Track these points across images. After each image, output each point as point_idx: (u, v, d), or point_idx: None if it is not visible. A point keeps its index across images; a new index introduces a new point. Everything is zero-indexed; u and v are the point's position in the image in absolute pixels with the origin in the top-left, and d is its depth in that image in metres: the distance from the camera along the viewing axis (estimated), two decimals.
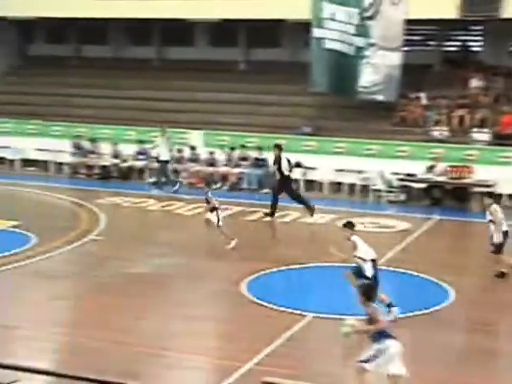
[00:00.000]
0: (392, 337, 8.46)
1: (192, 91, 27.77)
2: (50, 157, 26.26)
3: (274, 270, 14.77)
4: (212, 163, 24.52)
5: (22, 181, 24.35)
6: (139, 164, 25.13)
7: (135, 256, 15.76)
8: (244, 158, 24.32)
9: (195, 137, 25.11)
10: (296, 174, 23.45)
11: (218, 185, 23.92)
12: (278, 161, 19.07)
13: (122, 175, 25.25)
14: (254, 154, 24.24)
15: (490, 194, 16.08)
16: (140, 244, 16.88)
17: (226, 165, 24.40)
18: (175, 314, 12.31)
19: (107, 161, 25.57)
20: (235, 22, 27.28)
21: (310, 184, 23.70)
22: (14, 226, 17.89)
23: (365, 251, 11.73)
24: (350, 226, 11.93)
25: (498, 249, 14.50)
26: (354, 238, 11.84)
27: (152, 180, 24.26)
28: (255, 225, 19.18)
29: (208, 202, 16.69)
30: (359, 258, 11.64)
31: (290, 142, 23.91)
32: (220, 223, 16.46)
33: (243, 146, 24.35)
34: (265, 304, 12.59)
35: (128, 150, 25.34)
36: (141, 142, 25.19)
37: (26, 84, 30.12)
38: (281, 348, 10.65)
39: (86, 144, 25.93)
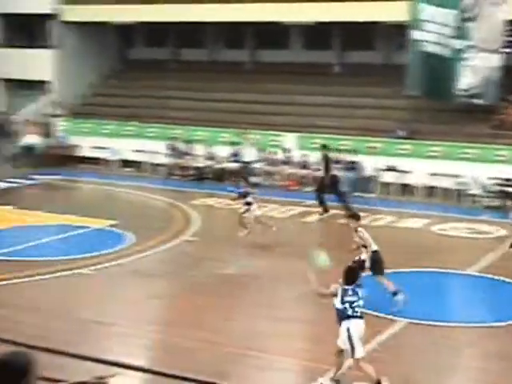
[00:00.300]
0: (351, 317, 9.17)
1: (286, 94, 27.88)
2: (146, 158, 26.86)
3: (365, 273, 14.67)
4: (305, 166, 24.54)
5: (119, 181, 24.99)
6: (233, 166, 25.39)
7: (228, 257, 15.96)
8: (337, 161, 24.21)
9: (289, 139, 25.20)
10: (389, 177, 23.28)
11: (312, 187, 23.94)
12: (325, 161, 19.83)
13: (215, 177, 25.57)
14: (346, 156, 24.11)
15: None
16: (233, 245, 17.07)
17: (318, 168, 24.35)
18: (264, 315, 12.40)
19: (201, 162, 25.95)
20: (329, 25, 27.24)
21: (404, 188, 23.42)
22: (112, 226, 18.39)
23: (371, 242, 12.62)
24: (356, 217, 13.05)
25: None
26: (361, 229, 12.78)
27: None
28: (346, 227, 19.06)
29: (244, 196, 17.12)
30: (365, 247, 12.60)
31: (384, 145, 23.73)
32: (246, 214, 16.98)
33: (336, 150, 24.25)
34: None
35: (222, 151, 25.66)
36: (236, 144, 25.44)
37: (126, 87, 30.90)
38: (371, 353, 10.59)
39: (181, 146, 26.38)
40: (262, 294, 13.71)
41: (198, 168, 25.93)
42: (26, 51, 30.85)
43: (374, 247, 12.79)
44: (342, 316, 9.25)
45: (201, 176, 25.65)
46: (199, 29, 30.86)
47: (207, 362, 10.22)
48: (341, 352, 9.38)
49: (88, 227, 18.24)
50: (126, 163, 27.19)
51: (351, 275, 9.62)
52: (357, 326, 9.21)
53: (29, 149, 27.58)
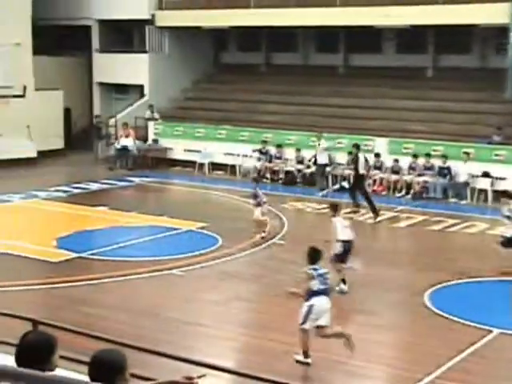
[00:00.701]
0: (319, 294, 10.18)
1: (378, 98, 27.61)
2: (236, 161, 27.06)
3: (458, 281, 14.38)
4: (396, 171, 24.22)
5: (210, 184, 25.27)
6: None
7: None
8: (429, 167, 23.82)
9: (380, 144, 24.93)
10: (484, 183, 22.73)
11: (403, 192, 23.67)
12: (355, 160, 20.74)
13: (305, 181, 25.53)
14: (438, 162, 23.67)
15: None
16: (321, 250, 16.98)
17: (409, 173, 24.03)
18: (355, 321, 12.30)
19: (292, 166, 25.96)
20: (424, 28, 26.82)
21: (498, 195, 22.79)
22: (202, 228, 18.60)
23: (340, 232, 13.51)
24: (333, 207, 13.82)
25: None
26: (335, 219, 13.67)
27: (336, 187, 24.41)
28: (438, 234, 18.76)
29: (256, 197, 17.44)
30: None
31: (478, 150, 23.18)
32: (262, 217, 17.59)
33: (427, 155, 23.84)
34: (448, 316, 12.28)
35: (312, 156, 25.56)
36: (325, 148, 25.31)
37: (218, 91, 31.24)
38: (464, 363, 10.36)
39: (272, 149, 26.46)
40: (352, 299, 13.59)
41: (288, 172, 25.96)
42: (121, 56, 31.59)
43: (344, 237, 13.62)
44: (311, 293, 10.26)
45: (291, 180, 25.65)
46: (291, 33, 30.93)
47: (294, 366, 10.20)
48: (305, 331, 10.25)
49: (179, 229, 18.51)
50: (217, 166, 27.45)
51: (314, 255, 10.75)
52: (320, 302, 10.22)
53: (123, 151, 28.22)
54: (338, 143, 25.59)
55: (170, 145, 28.68)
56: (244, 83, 30.97)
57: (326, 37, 30.85)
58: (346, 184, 24.19)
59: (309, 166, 25.45)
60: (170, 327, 11.92)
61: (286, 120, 27.86)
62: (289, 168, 26.01)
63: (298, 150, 25.92)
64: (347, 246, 13.60)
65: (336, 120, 27.02)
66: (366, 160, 21.03)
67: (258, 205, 17.68)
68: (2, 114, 25.85)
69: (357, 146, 21.30)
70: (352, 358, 10.62)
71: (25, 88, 25.45)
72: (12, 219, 19.88)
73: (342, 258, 13.63)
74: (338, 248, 13.54)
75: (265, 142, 26.63)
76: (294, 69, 31.05)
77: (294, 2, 27.93)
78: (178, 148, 28.44)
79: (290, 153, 26.18)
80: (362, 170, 20.68)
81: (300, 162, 25.88)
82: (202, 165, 27.59)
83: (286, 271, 15.10)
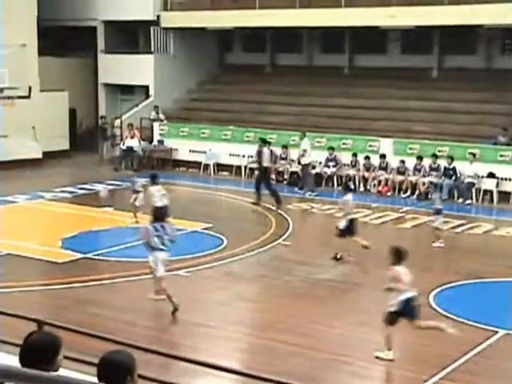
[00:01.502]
0: (156, 249, 12.35)
1: (383, 99, 27.60)
2: (241, 162, 27.06)
3: (463, 282, 14.36)
4: (402, 172, 24.18)
5: (215, 185, 25.28)
6: (328, 171, 25.28)
7: (321, 262, 15.89)
8: (435, 168, 23.78)
9: (385, 145, 24.91)
10: (489, 184, 22.69)
11: (408, 193, 23.65)
12: (259, 153, 21.94)
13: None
14: (444, 163, 23.63)
15: None
16: (326, 250, 16.99)
17: (414, 174, 23.99)
18: (359, 321, 12.29)
19: (296, 167, 25.94)
20: (428, 29, 26.80)
21: (504, 195, 22.76)
22: (207, 229, 18.61)
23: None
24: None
25: None
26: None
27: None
28: (443, 235, 18.71)
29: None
30: None
31: (483, 151, 23.14)
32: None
33: (434, 156, 23.80)
34: (454, 317, 12.27)
35: (318, 156, 25.56)
36: (331, 148, 25.31)
37: (223, 91, 31.25)
38: (469, 364, 10.36)
39: (277, 150, 26.42)
40: (358, 300, 13.61)
41: (293, 173, 25.94)
42: (127, 57, 31.64)
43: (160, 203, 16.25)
44: (151, 248, 12.41)
45: (296, 181, 25.62)
46: (296, 34, 30.93)
47: (300, 366, 10.22)
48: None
49: (184, 230, 18.52)
50: (222, 167, 27.46)
51: (157, 214, 13.14)
52: (160, 255, 12.40)
53: (129, 152, 28.25)
54: (343, 144, 25.58)
55: (176, 145, 28.70)
56: (249, 84, 30.98)
57: (330, 37, 30.85)
58: (350, 185, 24.12)
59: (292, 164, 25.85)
60: (176, 328, 11.94)
61: (290, 121, 27.85)
62: (294, 169, 25.99)
63: (305, 150, 25.82)
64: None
65: (341, 121, 27.01)
66: (271, 153, 22.61)
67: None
68: (7, 114, 25.91)
69: (262, 140, 22.70)
70: (355, 358, 10.63)
71: (30, 89, 25.48)
72: (17, 220, 19.92)
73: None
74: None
75: (269, 142, 26.57)
76: (299, 69, 31.05)
77: (299, 2, 27.92)
78: (184, 149, 28.46)
79: (294, 153, 26.16)
80: (266, 163, 21.99)
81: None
82: (207, 165, 27.59)
83: (291, 272, 15.11)
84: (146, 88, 31.37)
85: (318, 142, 25.97)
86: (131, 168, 27.94)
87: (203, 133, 28.42)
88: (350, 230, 15.86)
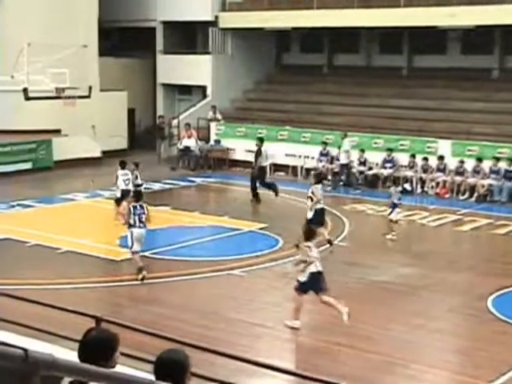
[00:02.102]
0: (135, 226, 14.04)
1: (442, 100, 27.26)
2: (298, 162, 27.01)
3: None
4: (461, 172, 23.82)
5: None
6: (385, 172, 25.07)
7: (378, 264, 15.77)
8: (496, 171, 23.35)
9: (443, 146, 24.59)
10: None
11: (466, 195, 23.30)
12: (258, 153, 22.88)
13: (367, 183, 25.34)
14: (504, 165, 23.20)
15: None
16: (382, 252, 16.87)
17: (473, 176, 23.62)
18: (415, 324, 12.16)
19: (354, 168, 25.77)
20: (489, 29, 26.36)
21: None
22: (262, 229, 18.63)
23: None
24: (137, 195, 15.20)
25: None
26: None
27: (399, 189, 24.15)
28: (503, 239, 18.42)
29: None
30: None
31: None
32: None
33: (496, 158, 23.38)
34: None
35: (375, 157, 25.39)
36: (389, 150, 25.09)
37: (280, 92, 31.26)
38: None
39: (333, 151, 26.31)
40: (416, 303, 13.46)
41: (350, 174, 25.77)
42: (185, 57, 31.89)
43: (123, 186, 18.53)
44: (130, 225, 14.09)
45: (352, 182, 25.48)
46: (354, 34, 30.75)
47: (355, 368, 10.16)
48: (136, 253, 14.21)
49: (240, 229, 18.59)
50: (278, 167, 27.45)
51: (136, 196, 14.95)
52: (137, 232, 14.05)
53: (186, 152, 28.47)
54: (401, 145, 25.34)
55: (232, 145, 28.82)
56: (306, 84, 30.90)
57: (389, 38, 30.58)
58: (408, 186, 23.95)
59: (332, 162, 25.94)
60: (231, 327, 11.98)
61: (347, 121, 27.69)
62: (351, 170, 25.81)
63: (362, 150, 25.67)
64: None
65: (398, 122, 26.77)
66: (267, 155, 23.55)
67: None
68: (68, 114, 26.35)
69: (260, 140, 23.49)
70: (410, 361, 10.53)
71: (90, 89, 25.86)
72: (77, 218, 20.24)
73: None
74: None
75: (326, 143, 26.52)
76: (357, 70, 30.87)
77: (357, 2, 27.76)
78: (240, 149, 28.55)
79: (352, 154, 25.98)
80: (264, 163, 23.23)
81: (362, 163, 25.66)
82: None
83: (347, 273, 15.03)
84: (204, 88, 31.57)
85: (375, 143, 25.78)
86: (188, 168, 28.18)
87: (259, 133, 28.45)
88: (317, 220, 16.25)
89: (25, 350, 2.81)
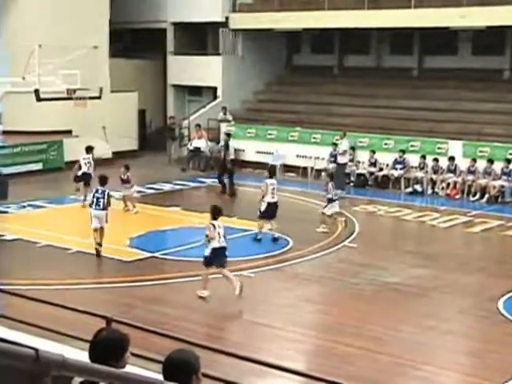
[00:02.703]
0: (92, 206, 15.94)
1: (453, 101, 27.19)
2: (308, 163, 27.00)
3: None
4: (472, 171, 23.70)
5: (281, 186, 25.20)
6: (396, 173, 25.02)
7: (388, 265, 15.74)
8: (506, 172, 23.27)
9: (454, 147, 24.52)
10: None
11: (477, 196, 23.22)
12: (226, 147, 24.20)
13: (378, 184, 25.31)
14: None
15: None
16: (393, 253, 16.84)
17: (484, 177, 23.54)
18: (426, 326, 12.14)
19: (364, 169, 25.77)
20: (500, 29, 26.27)
21: None
22: (272, 230, 18.58)
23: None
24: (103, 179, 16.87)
25: None
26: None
27: (409, 190, 24.15)
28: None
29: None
30: None
31: None
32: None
33: (508, 160, 23.28)
34: None
35: (386, 158, 25.36)
36: (402, 151, 25.03)
37: (290, 93, 31.25)
38: None
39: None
40: (426, 305, 13.44)
41: (360, 175, 25.77)
42: (195, 58, 31.94)
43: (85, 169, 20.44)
44: (91, 206, 16.08)
45: (363, 183, 25.47)
46: (364, 35, 30.72)
47: (365, 369, 10.15)
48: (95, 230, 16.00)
49: (250, 230, 18.58)
50: (289, 168, 27.44)
51: (102, 180, 16.45)
52: (93, 212, 15.96)
53: (196, 153, 28.50)
54: (411, 146, 25.29)
55: (242, 146, 28.82)
56: (316, 85, 30.88)
57: (399, 38, 30.54)
58: (418, 187, 23.93)
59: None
60: (241, 328, 11.99)
61: (358, 122, 27.66)
62: (361, 171, 25.82)
63: (373, 151, 25.64)
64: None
65: (409, 123, 26.73)
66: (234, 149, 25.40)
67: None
68: (79, 115, 26.41)
69: (228, 135, 25.04)
70: (421, 362, 10.50)
71: (101, 90, 25.93)
72: (87, 218, 20.23)
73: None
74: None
75: (336, 144, 26.48)
76: (367, 71, 30.83)
77: (368, 3, 27.73)
78: (250, 150, 28.55)
79: (362, 155, 26.00)
80: (231, 156, 24.80)
81: (373, 164, 25.64)
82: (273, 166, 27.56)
83: (357, 274, 15.01)
84: (214, 89, 31.59)
85: (386, 144, 25.76)
86: (198, 168, 28.20)
87: (270, 134, 28.47)
88: (268, 213, 17.39)
89: (36, 349, 2.82)
